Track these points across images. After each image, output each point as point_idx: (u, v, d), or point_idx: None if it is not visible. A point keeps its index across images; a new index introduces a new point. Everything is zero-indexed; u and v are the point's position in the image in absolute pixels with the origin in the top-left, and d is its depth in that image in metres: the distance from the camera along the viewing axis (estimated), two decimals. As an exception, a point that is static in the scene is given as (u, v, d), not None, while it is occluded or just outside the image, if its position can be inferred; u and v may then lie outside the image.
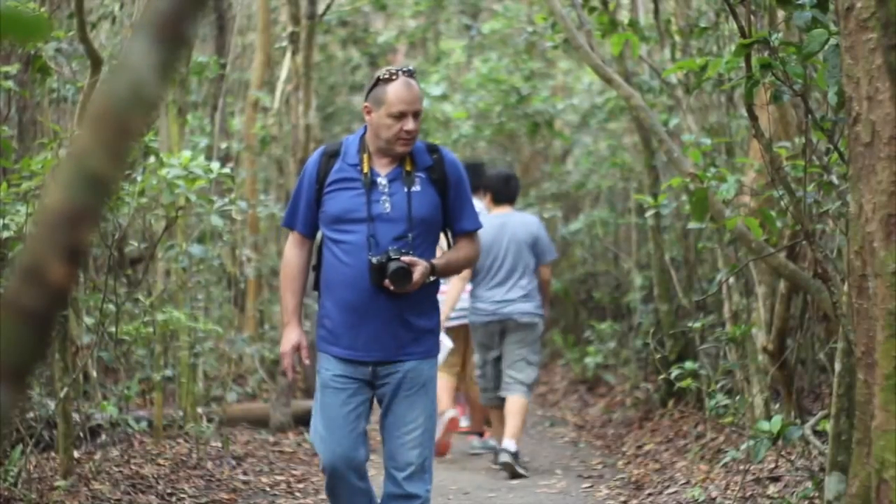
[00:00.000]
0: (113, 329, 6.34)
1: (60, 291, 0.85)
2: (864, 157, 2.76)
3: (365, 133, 4.35)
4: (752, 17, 4.42)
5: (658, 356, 7.33)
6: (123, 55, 0.89)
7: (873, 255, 2.74)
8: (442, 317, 5.77)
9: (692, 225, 5.73)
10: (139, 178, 5.91)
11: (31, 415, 6.22)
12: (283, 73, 10.88)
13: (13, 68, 6.07)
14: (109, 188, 0.86)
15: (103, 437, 6.84)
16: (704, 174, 5.23)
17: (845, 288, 4.10)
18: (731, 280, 6.98)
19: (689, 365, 6.64)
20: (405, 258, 4.18)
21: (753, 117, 4.57)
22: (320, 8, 9.55)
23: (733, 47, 4.80)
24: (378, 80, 4.33)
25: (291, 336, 4.41)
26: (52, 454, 6.23)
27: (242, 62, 12.52)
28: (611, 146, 12.15)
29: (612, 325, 10.83)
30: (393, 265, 4.16)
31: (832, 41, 3.74)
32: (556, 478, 7.31)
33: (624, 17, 8.51)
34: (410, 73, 4.32)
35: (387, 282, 4.18)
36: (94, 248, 7.10)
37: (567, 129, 13.68)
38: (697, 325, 7.16)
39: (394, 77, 4.27)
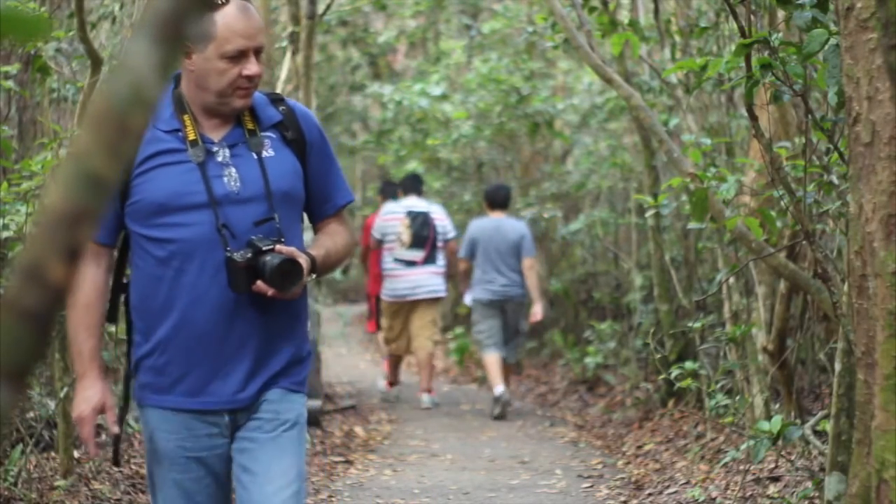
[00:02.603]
0: (113, 329, 6.33)
1: (60, 291, 0.85)
2: (864, 157, 2.76)
3: (177, 86, 3.11)
4: (752, 17, 4.42)
5: (658, 356, 7.34)
6: (123, 55, 0.89)
7: (873, 255, 2.74)
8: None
9: (692, 225, 5.73)
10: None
11: (31, 415, 6.22)
12: (283, 73, 10.88)
13: (13, 68, 6.07)
14: (109, 188, 0.86)
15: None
16: (704, 174, 5.23)
17: (845, 288, 4.10)
18: (731, 280, 6.98)
19: (689, 365, 6.64)
20: (281, 247, 3.02)
21: (753, 117, 4.57)
22: (320, 8, 9.55)
23: (733, 47, 4.80)
24: None
25: (90, 392, 3.13)
26: (52, 454, 6.23)
27: (242, 62, 12.51)
28: (611, 146, 12.15)
29: (612, 325, 10.83)
30: (271, 259, 2.98)
31: (832, 41, 3.74)
32: (556, 478, 7.31)
33: (624, 17, 8.51)
34: None
35: (260, 284, 2.99)
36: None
37: (567, 129, 13.67)
38: (697, 325, 7.16)
39: (223, 2, 3.02)
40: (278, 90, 11.00)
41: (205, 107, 3.09)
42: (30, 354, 0.85)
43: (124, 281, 3.22)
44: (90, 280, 3.12)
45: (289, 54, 9.83)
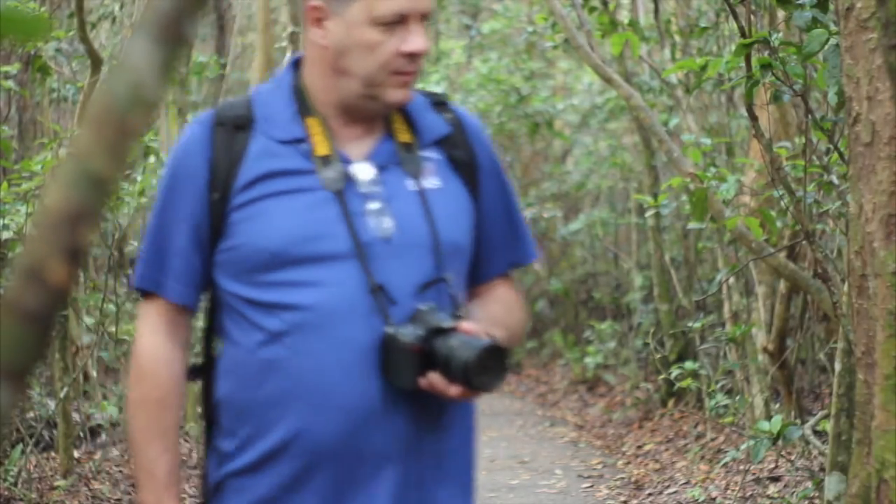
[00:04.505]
0: (113, 329, 6.34)
1: (60, 291, 0.85)
2: (864, 157, 2.76)
3: (297, 75, 2.13)
4: (752, 17, 4.42)
5: (658, 356, 7.34)
6: (123, 55, 0.89)
7: (873, 255, 2.74)
8: None
9: (692, 225, 5.73)
10: (139, 178, 5.91)
11: (31, 415, 6.22)
12: (283, 73, 10.88)
13: (13, 68, 6.07)
14: (109, 188, 0.87)
15: (103, 437, 6.84)
16: (704, 174, 5.22)
17: (845, 288, 4.10)
18: (731, 280, 6.98)
19: (689, 365, 6.64)
20: (468, 326, 2.02)
21: (753, 117, 4.57)
22: (320, 8, 9.55)
23: (733, 47, 4.80)
24: None
25: None
26: (52, 454, 6.23)
27: (242, 62, 12.53)
28: (611, 146, 12.15)
29: (612, 325, 10.84)
30: (463, 345, 1.98)
31: (832, 41, 3.74)
32: (556, 478, 7.31)
33: (624, 17, 8.51)
34: None
35: (437, 378, 1.99)
36: (94, 248, 7.10)
37: (567, 129, 13.67)
38: (697, 325, 7.16)
39: None
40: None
41: (342, 104, 2.09)
42: (30, 354, 0.85)
43: (200, 359, 2.20)
44: (163, 362, 2.10)
45: (289, 54, 9.83)
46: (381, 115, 2.12)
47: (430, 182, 2.11)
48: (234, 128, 2.08)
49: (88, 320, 6.79)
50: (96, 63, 6.14)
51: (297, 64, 2.15)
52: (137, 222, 7.01)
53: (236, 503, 2.12)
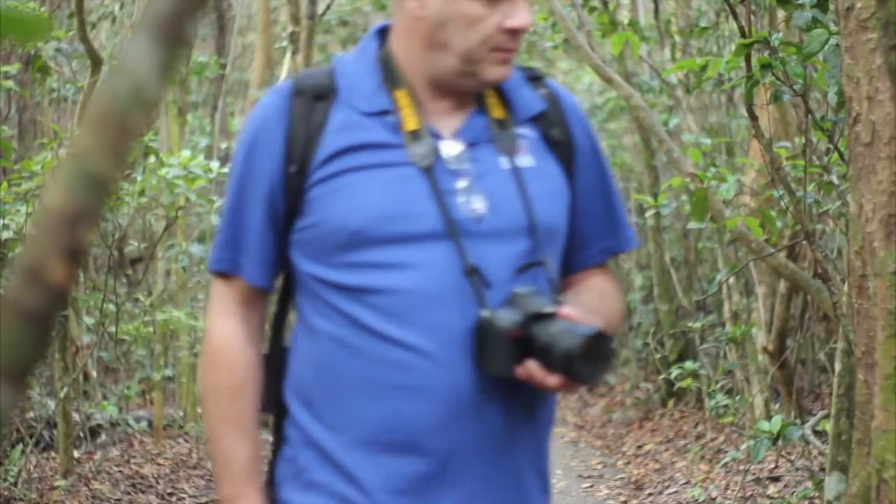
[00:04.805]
0: (113, 329, 6.34)
1: (60, 291, 0.85)
2: (864, 157, 2.76)
3: (383, 45, 2.01)
4: (752, 17, 4.42)
5: (658, 356, 7.34)
6: (123, 55, 0.89)
7: (873, 255, 2.73)
8: None
9: (692, 225, 5.73)
10: (139, 178, 5.91)
11: (31, 415, 6.22)
12: (283, 73, 10.88)
13: (13, 68, 6.08)
14: (109, 188, 0.87)
15: (103, 437, 6.84)
16: (704, 174, 5.22)
17: (845, 288, 4.10)
18: (731, 280, 6.98)
19: (689, 365, 6.64)
20: (569, 311, 1.87)
21: (753, 117, 4.57)
22: (320, 8, 9.55)
23: (733, 47, 4.80)
24: None
25: None
26: (52, 454, 6.23)
27: (242, 62, 12.53)
28: (611, 146, 12.15)
29: (612, 325, 10.83)
30: (563, 331, 1.83)
31: (832, 41, 3.74)
32: (556, 478, 7.32)
33: (624, 17, 8.51)
34: None
35: (534, 366, 1.84)
36: (94, 248, 7.11)
37: (567, 129, 13.66)
38: (697, 325, 7.16)
39: None
40: (278, 90, 10.96)
41: (433, 78, 1.95)
42: (30, 354, 0.85)
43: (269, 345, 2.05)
44: (238, 348, 1.98)
45: (289, 54, 9.83)
46: (473, 91, 1.98)
47: (524, 160, 1.97)
48: (313, 97, 1.95)
49: (88, 320, 6.79)
50: (96, 63, 6.14)
51: (381, 33, 2.03)
52: (137, 222, 7.01)
53: (315, 495, 1.94)
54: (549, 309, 1.85)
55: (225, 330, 1.98)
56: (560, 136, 2.02)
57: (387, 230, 1.87)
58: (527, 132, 2.00)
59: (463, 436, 1.88)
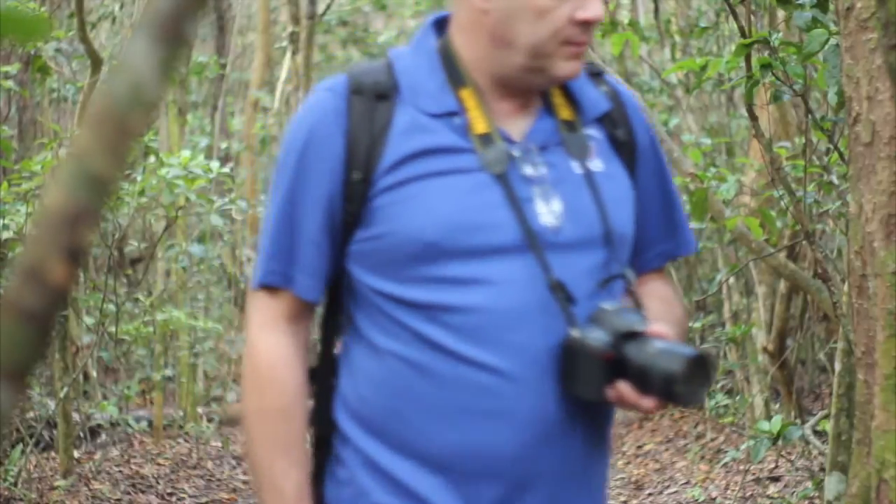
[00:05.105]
0: (113, 329, 6.34)
1: (60, 291, 0.85)
2: (864, 157, 2.76)
3: (443, 40, 1.85)
4: (752, 17, 4.42)
5: (658, 356, 7.32)
6: (123, 55, 0.89)
7: (873, 255, 2.74)
8: None
9: (692, 225, 5.73)
10: (139, 178, 5.91)
11: (31, 415, 6.22)
12: (283, 73, 10.89)
13: (13, 68, 6.08)
14: (109, 188, 0.87)
15: (103, 437, 6.84)
16: (704, 174, 5.23)
17: (845, 288, 4.10)
18: (731, 280, 6.98)
19: (689, 365, 6.63)
20: (659, 329, 1.77)
21: (753, 117, 4.57)
22: (320, 8, 9.56)
23: (733, 47, 4.80)
24: None
25: None
26: (52, 454, 6.23)
27: (242, 62, 12.54)
28: (611, 146, 12.17)
29: (612, 325, 10.85)
30: (662, 352, 1.73)
31: (832, 41, 3.74)
32: (556, 478, 7.32)
33: (624, 17, 8.51)
34: None
35: (626, 389, 1.74)
36: (94, 248, 7.11)
37: (567, 129, 13.69)
38: (697, 325, 7.16)
39: None
40: (278, 90, 10.98)
41: (499, 76, 1.81)
42: (30, 354, 0.85)
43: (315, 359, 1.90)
44: (287, 367, 1.82)
45: (289, 54, 9.84)
46: (540, 90, 1.84)
47: (595, 164, 1.84)
48: (374, 97, 1.79)
49: (88, 320, 6.80)
50: (96, 63, 6.14)
51: (436, 25, 1.87)
52: (137, 222, 7.01)
53: None
54: (639, 327, 1.75)
55: (273, 347, 1.82)
56: (624, 136, 1.91)
57: (463, 242, 1.73)
58: (594, 133, 1.88)
59: (545, 461, 1.76)
